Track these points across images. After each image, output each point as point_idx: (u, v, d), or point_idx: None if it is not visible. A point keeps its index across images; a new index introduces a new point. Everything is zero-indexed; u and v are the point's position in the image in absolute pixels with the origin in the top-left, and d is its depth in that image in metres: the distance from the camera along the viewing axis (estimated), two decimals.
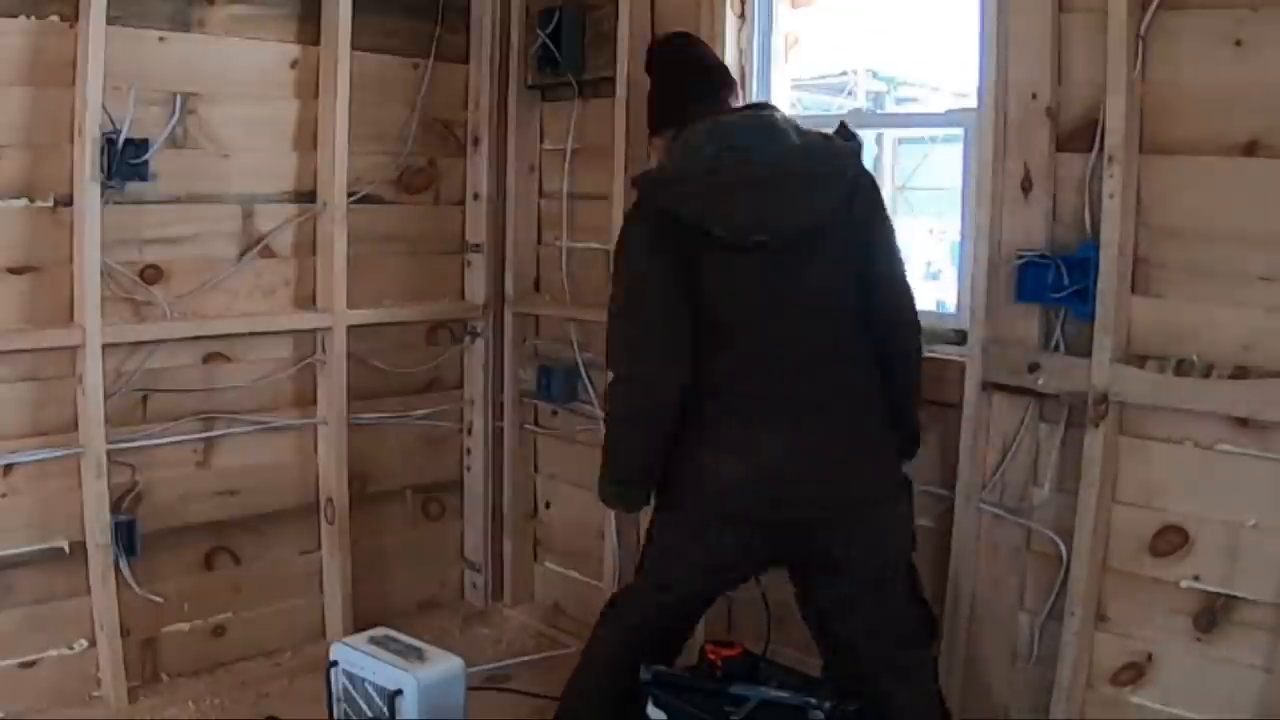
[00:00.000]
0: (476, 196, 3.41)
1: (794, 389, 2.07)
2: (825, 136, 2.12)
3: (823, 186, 2.06)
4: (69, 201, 2.60)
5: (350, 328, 3.10)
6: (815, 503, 2.08)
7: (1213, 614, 2.10)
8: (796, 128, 2.11)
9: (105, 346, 2.65)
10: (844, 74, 5.22)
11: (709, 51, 2.47)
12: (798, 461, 2.06)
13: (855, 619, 2.13)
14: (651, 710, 2.11)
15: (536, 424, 3.50)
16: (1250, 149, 2.01)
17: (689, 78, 2.29)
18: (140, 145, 2.64)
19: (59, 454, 2.64)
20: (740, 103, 2.36)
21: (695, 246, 2.03)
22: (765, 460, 2.05)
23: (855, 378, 2.12)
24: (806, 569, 2.19)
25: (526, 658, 3.15)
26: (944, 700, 2.27)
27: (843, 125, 2.16)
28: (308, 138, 3.03)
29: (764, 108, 2.26)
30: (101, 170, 2.58)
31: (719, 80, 2.31)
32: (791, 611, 2.29)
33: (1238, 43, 2.01)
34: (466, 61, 3.35)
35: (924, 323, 2.58)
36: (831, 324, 2.10)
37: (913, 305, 2.20)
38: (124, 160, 2.61)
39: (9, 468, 2.59)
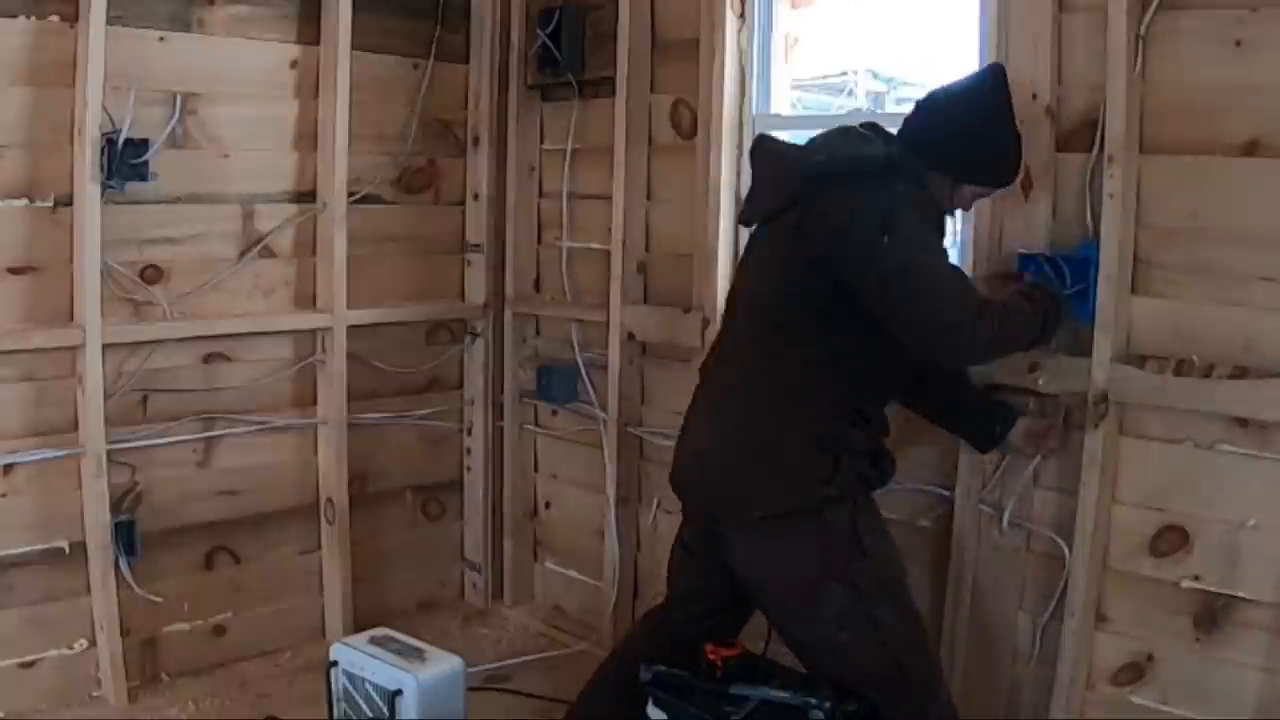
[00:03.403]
0: (476, 196, 3.41)
1: (720, 379, 2.13)
2: (842, 146, 2.01)
3: (771, 188, 2.09)
4: (69, 201, 2.60)
5: (350, 328, 3.09)
6: (699, 494, 2.15)
7: (1213, 614, 2.09)
8: (866, 141, 2.02)
9: (105, 346, 2.65)
10: (844, 74, 5.22)
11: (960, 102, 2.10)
12: (694, 450, 2.13)
13: (784, 636, 2.12)
14: (651, 710, 2.11)
15: (536, 424, 3.50)
16: (1250, 149, 2.01)
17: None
18: (140, 145, 2.64)
19: (59, 454, 2.64)
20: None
21: None
22: (682, 441, 2.18)
23: (779, 383, 2.01)
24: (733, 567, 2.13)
25: (526, 658, 3.14)
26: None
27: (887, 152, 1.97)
28: (308, 138, 3.02)
29: (879, 128, 2.14)
30: (101, 170, 2.58)
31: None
32: None
33: (1238, 43, 2.01)
34: (466, 61, 3.35)
35: None
36: (767, 315, 2.06)
37: (929, 328, 1.91)
38: (124, 160, 2.61)
39: (9, 468, 2.59)
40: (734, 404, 2.06)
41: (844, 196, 1.92)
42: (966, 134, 2.05)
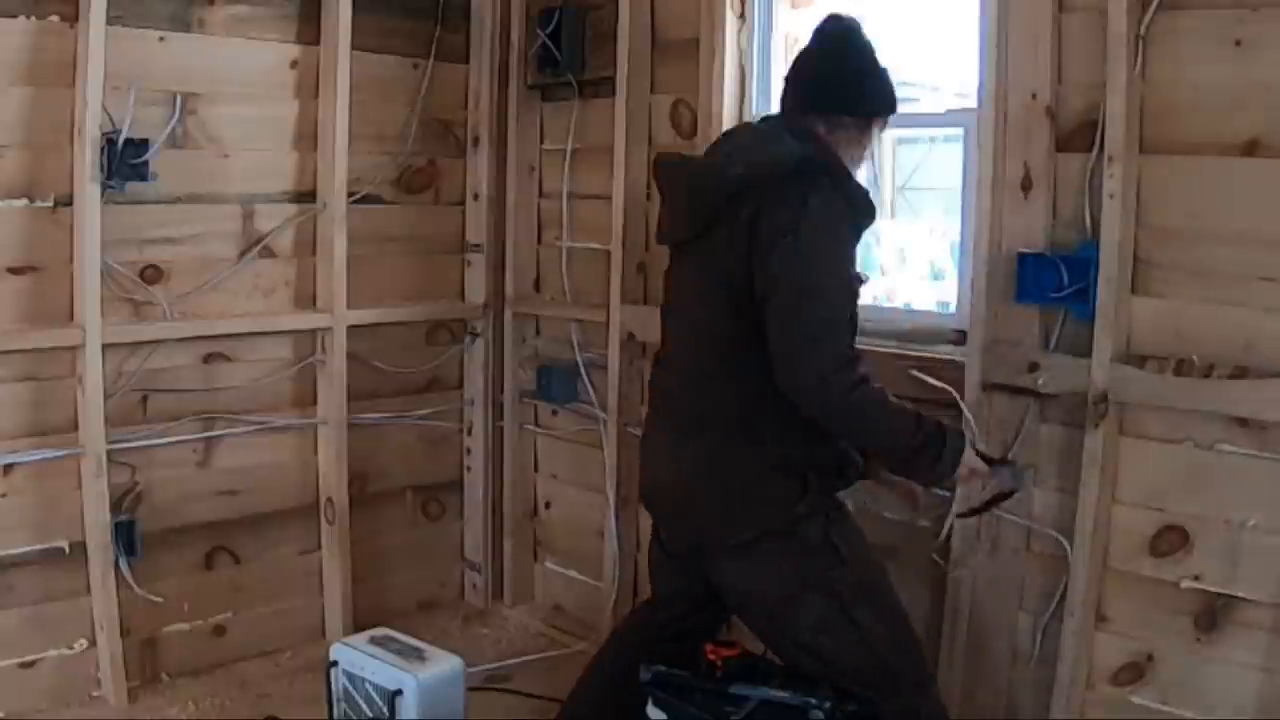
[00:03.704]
0: (476, 196, 3.41)
1: (676, 403, 2.11)
2: (764, 152, 1.98)
3: (694, 200, 2.05)
4: (69, 201, 2.60)
5: (350, 328, 3.09)
6: (671, 523, 2.18)
7: (1213, 614, 2.09)
8: (771, 140, 2.00)
9: (105, 346, 2.65)
10: None
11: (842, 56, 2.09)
12: (662, 478, 2.15)
13: (767, 642, 2.13)
14: (651, 710, 2.11)
15: (536, 424, 3.50)
16: (1250, 149, 2.01)
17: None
18: (140, 145, 2.64)
19: (59, 454, 2.64)
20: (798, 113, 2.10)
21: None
22: (650, 472, 2.19)
23: (736, 410, 1.99)
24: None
25: (526, 658, 3.15)
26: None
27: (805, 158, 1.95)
28: (308, 138, 3.03)
29: (770, 118, 2.17)
30: (101, 170, 2.58)
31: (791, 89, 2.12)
32: None
33: (1238, 43, 2.01)
34: (466, 61, 3.35)
35: (925, 323, 2.60)
36: (708, 342, 2.03)
37: (795, 350, 1.87)
38: (124, 160, 2.61)
39: (9, 468, 2.59)
40: (696, 438, 2.03)
41: (760, 206, 1.90)
42: (848, 72, 2.04)
